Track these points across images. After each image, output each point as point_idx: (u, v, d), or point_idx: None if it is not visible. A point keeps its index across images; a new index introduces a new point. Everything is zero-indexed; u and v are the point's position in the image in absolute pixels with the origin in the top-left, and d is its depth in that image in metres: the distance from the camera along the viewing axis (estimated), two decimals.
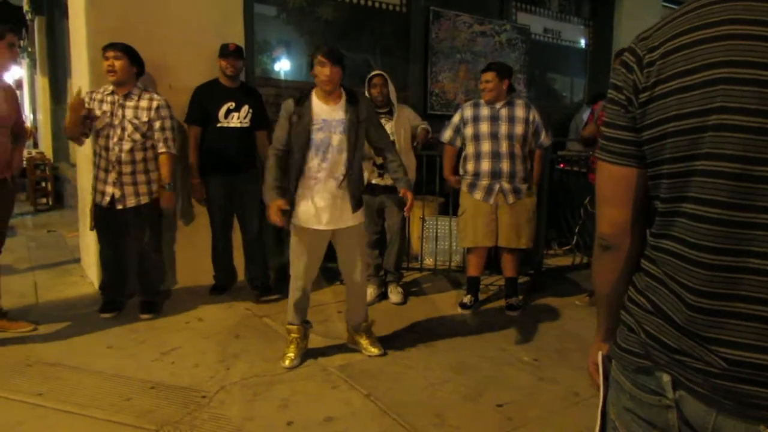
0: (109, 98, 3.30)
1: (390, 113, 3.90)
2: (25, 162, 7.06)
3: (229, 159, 3.78)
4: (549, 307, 3.96)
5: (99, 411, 2.41)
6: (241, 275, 4.14)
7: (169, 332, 3.29)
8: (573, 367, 2.97)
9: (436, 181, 4.44)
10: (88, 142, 3.49)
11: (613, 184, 1.01)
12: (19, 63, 14.70)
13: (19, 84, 16.78)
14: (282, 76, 5.13)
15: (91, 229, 3.49)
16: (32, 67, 10.23)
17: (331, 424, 2.39)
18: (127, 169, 3.31)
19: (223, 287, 4.02)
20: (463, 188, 3.79)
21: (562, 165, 5.26)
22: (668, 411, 0.92)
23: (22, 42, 10.60)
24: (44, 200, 7.53)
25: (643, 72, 0.91)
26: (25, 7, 8.76)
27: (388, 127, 3.83)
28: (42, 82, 9.06)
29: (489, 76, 3.64)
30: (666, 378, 0.91)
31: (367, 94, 3.82)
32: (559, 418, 2.51)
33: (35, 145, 9.90)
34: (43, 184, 7.54)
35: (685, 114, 0.85)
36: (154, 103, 3.37)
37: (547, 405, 2.62)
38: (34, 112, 12.52)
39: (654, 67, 0.89)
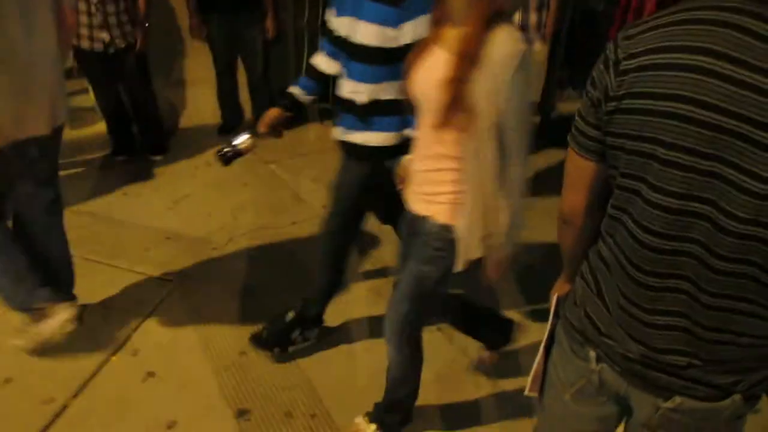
0: None
1: None
2: None
3: None
4: (550, 160, 3.95)
5: (122, 261, 2.70)
6: (248, 113, 4.20)
7: (180, 178, 3.47)
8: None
9: None
10: None
11: (574, 172, 1.06)
12: None
13: None
14: None
15: (77, 75, 3.49)
16: None
17: None
18: (111, 9, 3.19)
19: (230, 127, 4.09)
20: None
21: None
22: (591, 373, 1.10)
23: None
24: None
25: (616, 78, 0.90)
26: None
27: None
28: None
29: None
30: (592, 353, 1.08)
31: None
32: (538, 275, 2.76)
33: None
34: None
35: (642, 137, 0.87)
36: None
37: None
38: None
39: (627, 77, 0.88)
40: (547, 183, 3.72)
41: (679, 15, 0.85)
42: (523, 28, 3.55)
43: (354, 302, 2.51)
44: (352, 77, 1.78)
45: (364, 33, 1.67)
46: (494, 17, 1.29)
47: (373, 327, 2.38)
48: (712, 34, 0.80)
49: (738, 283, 0.87)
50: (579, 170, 1.04)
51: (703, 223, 0.86)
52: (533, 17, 3.54)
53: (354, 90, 1.78)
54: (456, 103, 1.32)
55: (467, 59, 1.29)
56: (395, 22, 1.63)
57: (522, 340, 2.18)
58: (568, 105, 4.93)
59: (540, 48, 3.66)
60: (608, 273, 1.02)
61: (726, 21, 0.79)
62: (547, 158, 4.00)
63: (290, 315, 2.20)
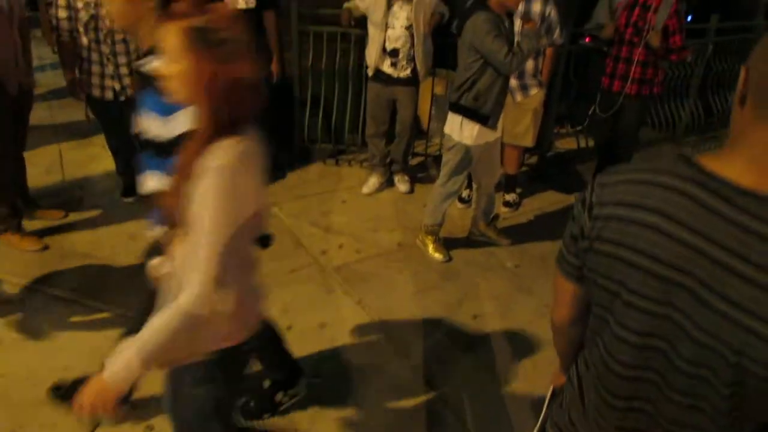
0: None
1: None
2: None
3: None
4: (546, 203, 4.08)
5: (129, 309, 2.79)
6: None
7: None
8: (551, 275, 3.21)
9: (448, 55, 4.31)
10: None
11: (560, 291, 1.17)
12: None
13: None
14: None
15: (89, 121, 3.66)
16: None
17: (323, 330, 2.77)
18: (123, 60, 3.32)
19: None
20: None
21: (587, 39, 4.98)
22: None
23: None
24: None
25: (590, 221, 1.00)
26: None
27: (405, 12, 3.67)
28: None
29: None
30: None
31: None
32: (529, 330, 2.85)
33: None
34: None
35: (610, 277, 0.98)
36: None
37: (519, 317, 2.94)
38: None
39: (598, 222, 0.98)
40: (541, 227, 3.84)
41: (645, 175, 0.95)
42: (520, 75, 3.67)
43: (343, 351, 2.60)
44: (151, 170, 1.70)
45: (147, 123, 1.64)
46: (224, 128, 1.28)
47: (361, 377, 2.48)
48: (668, 200, 0.90)
49: (689, 412, 0.95)
50: (563, 290, 1.14)
51: (660, 358, 0.95)
52: (530, 63, 3.65)
53: (153, 185, 1.69)
54: (173, 214, 1.33)
55: (181, 174, 1.29)
56: (166, 111, 1.56)
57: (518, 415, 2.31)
58: (565, 142, 5.04)
59: (536, 92, 3.76)
60: (587, 383, 1.12)
61: (680, 189, 0.89)
62: (541, 201, 4.10)
63: (267, 381, 2.28)
